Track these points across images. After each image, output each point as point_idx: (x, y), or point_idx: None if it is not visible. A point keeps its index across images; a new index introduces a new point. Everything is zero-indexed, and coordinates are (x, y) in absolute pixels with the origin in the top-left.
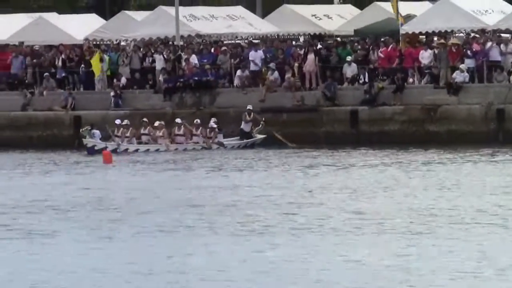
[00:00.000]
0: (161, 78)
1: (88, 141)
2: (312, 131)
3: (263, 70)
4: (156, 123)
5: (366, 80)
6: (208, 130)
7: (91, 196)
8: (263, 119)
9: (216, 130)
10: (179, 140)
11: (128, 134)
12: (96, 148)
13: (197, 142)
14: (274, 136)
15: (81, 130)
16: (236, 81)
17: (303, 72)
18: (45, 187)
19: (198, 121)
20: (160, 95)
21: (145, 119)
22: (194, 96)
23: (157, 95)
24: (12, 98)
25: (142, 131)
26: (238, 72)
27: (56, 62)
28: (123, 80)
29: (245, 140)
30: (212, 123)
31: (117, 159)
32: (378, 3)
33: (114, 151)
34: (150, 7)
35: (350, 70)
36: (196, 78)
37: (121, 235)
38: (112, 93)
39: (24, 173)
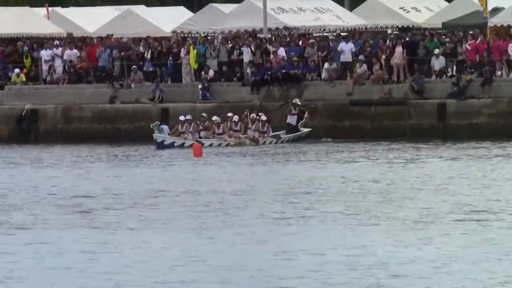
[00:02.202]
0: (248, 70)
1: (158, 136)
2: (399, 124)
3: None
4: (214, 118)
5: (454, 73)
6: (260, 124)
7: (191, 189)
8: (307, 114)
9: (269, 124)
10: (235, 135)
11: (191, 129)
12: (165, 143)
13: (254, 136)
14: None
15: (151, 125)
16: (323, 74)
17: (390, 64)
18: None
19: (254, 115)
20: (247, 88)
21: (203, 114)
22: (282, 88)
23: (245, 88)
24: (100, 90)
25: (201, 126)
26: (326, 65)
27: (145, 55)
28: (211, 72)
29: (292, 134)
30: (264, 116)
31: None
32: None
33: (182, 145)
34: None
35: (438, 63)
36: (283, 71)
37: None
38: (200, 86)
39: (112, 165)
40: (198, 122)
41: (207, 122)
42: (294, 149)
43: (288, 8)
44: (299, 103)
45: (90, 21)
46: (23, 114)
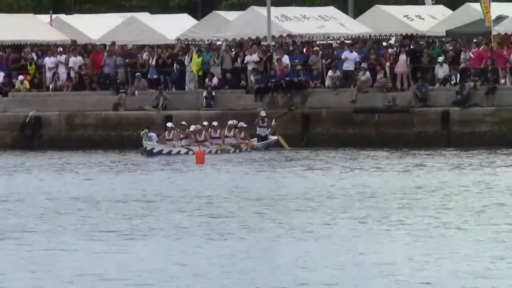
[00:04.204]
0: (252, 78)
1: (148, 144)
2: (403, 132)
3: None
4: (192, 128)
5: (458, 81)
6: (238, 130)
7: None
8: (274, 122)
9: (245, 131)
10: (215, 142)
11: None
12: (154, 151)
13: (237, 142)
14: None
15: (140, 133)
16: (327, 82)
17: (394, 72)
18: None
19: (233, 122)
20: (251, 95)
21: (183, 122)
22: (286, 96)
23: (249, 95)
24: (104, 98)
25: (181, 135)
26: (329, 73)
27: (150, 61)
28: (215, 80)
29: (262, 142)
30: (242, 123)
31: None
32: (471, 4)
33: (169, 153)
34: (241, 6)
35: (441, 71)
36: (287, 79)
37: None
38: (204, 94)
39: (121, 171)
40: (178, 130)
41: (187, 130)
42: (299, 155)
43: (292, 16)
44: (263, 114)
45: (94, 28)
46: (27, 121)
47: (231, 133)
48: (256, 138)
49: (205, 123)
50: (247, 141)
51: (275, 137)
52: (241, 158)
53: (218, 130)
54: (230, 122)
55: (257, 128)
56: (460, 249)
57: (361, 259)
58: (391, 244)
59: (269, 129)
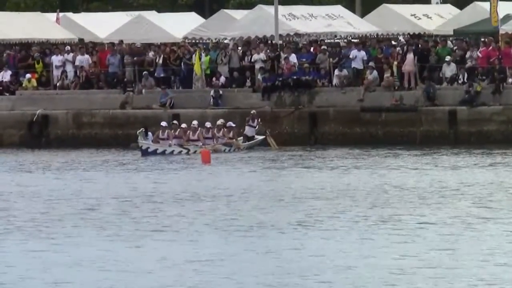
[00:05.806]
0: (259, 77)
1: (143, 143)
2: (410, 131)
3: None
4: (183, 125)
5: (465, 80)
6: (226, 130)
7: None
8: (260, 121)
9: (234, 131)
10: (208, 142)
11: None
12: (149, 150)
13: (226, 141)
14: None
15: (137, 132)
16: (334, 81)
17: (401, 71)
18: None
19: (222, 121)
20: (259, 94)
21: (174, 121)
22: (293, 95)
23: (256, 94)
24: (111, 96)
25: (173, 134)
26: (336, 72)
27: (157, 60)
28: (222, 79)
29: (248, 142)
30: (231, 122)
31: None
32: (478, 2)
33: (163, 152)
34: (249, 5)
35: (449, 70)
36: (295, 77)
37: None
38: (212, 92)
39: (130, 171)
40: (170, 130)
41: (178, 130)
42: (307, 154)
43: (299, 14)
44: (254, 112)
45: (101, 26)
46: (35, 119)
47: (220, 133)
48: (242, 137)
49: (195, 122)
50: (229, 140)
51: (261, 137)
52: (247, 157)
53: (210, 130)
54: (218, 122)
55: (246, 127)
56: (477, 245)
57: (373, 257)
58: (401, 241)
59: (255, 128)
